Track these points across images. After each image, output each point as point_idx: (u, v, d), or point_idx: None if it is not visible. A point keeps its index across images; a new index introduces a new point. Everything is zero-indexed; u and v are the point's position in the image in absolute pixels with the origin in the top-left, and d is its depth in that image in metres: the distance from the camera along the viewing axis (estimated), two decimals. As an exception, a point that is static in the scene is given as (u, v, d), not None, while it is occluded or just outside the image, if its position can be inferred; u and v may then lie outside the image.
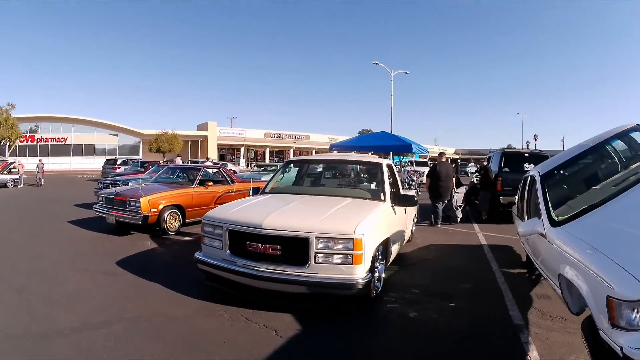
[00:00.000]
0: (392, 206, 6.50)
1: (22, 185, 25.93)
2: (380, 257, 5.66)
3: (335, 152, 16.98)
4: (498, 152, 15.62)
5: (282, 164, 10.05)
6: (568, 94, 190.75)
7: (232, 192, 11.93)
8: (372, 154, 15.32)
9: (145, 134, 59.76)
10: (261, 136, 73.78)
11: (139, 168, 24.97)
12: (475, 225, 12.36)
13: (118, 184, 14.13)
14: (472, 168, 58.04)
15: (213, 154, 60.58)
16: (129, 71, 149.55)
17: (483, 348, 4.32)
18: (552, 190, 4.83)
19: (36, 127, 55.78)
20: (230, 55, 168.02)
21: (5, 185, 24.64)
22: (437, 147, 75.33)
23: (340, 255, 4.85)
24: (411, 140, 16.16)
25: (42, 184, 27.12)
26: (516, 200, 7.73)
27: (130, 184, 13.55)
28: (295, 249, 4.92)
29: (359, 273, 4.86)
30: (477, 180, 16.33)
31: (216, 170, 13.51)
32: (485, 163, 14.85)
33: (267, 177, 16.16)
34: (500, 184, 13.28)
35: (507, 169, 13.69)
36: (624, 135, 5.19)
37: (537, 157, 13.64)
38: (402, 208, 7.07)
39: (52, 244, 9.10)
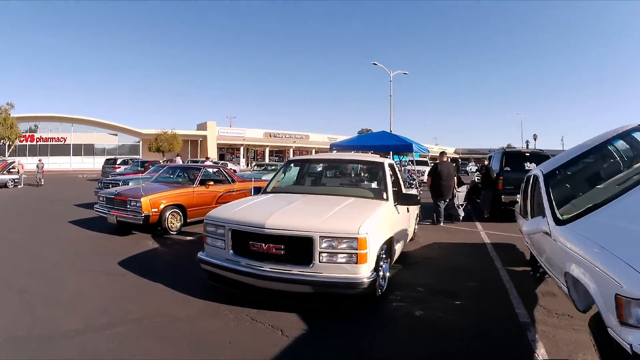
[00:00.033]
0: (395, 205, 6.48)
1: (22, 185, 25.86)
2: (384, 256, 5.63)
3: (335, 151, 16.95)
4: (499, 151, 15.62)
5: (282, 163, 10.03)
6: (567, 94, 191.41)
7: (233, 191, 11.89)
8: (372, 153, 15.30)
9: (144, 133, 59.70)
10: (261, 136, 73.75)
11: (139, 168, 24.95)
12: (478, 224, 12.37)
13: (118, 184, 14.10)
14: (472, 167, 58.12)
15: (213, 153, 60.53)
16: (128, 71, 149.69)
17: (491, 346, 4.30)
18: (555, 189, 4.82)
19: (35, 127, 55.73)
20: (230, 54, 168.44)
21: (5, 186, 24.56)
22: (437, 147, 75.41)
23: (345, 255, 4.82)
24: (412, 140, 16.12)
25: (42, 184, 27.06)
26: (519, 199, 7.73)
27: (130, 183, 13.52)
28: (299, 248, 4.88)
29: (364, 272, 4.84)
30: (478, 179, 16.33)
31: (217, 169, 13.48)
32: (486, 162, 14.85)
33: (267, 177, 16.16)
34: (501, 183, 13.30)
35: (508, 168, 13.68)
36: (626, 135, 5.18)
37: (538, 157, 13.67)
38: (405, 207, 7.05)
39: (52, 244, 9.07)
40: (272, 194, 6.98)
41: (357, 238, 4.78)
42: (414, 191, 11.13)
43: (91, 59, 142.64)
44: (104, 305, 5.26)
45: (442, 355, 4.14)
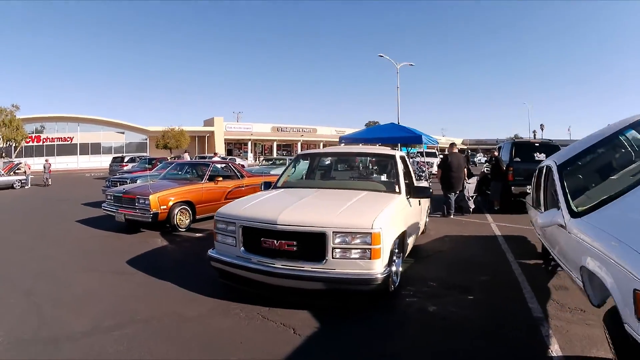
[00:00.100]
0: (408, 198, 6.38)
1: (29, 185, 25.90)
2: (397, 250, 5.55)
3: (343, 144, 16.90)
4: (509, 142, 15.46)
5: (290, 157, 9.95)
6: (574, 84, 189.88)
7: (242, 186, 11.85)
8: (379, 145, 15.22)
9: (151, 130, 59.81)
10: (268, 130, 73.72)
11: (147, 165, 24.92)
12: (488, 216, 12.28)
13: (126, 182, 14.10)
14: (481, 158, 57.90)
15: (220, 149, 60.48)
16: (134, 69, 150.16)
17: (505, 343, 4.22)
18: (569, 180, 4.72)
19: (42, 128, 55.85)
20: (235, 50, 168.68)
21: (12, 186, 24.60)
22: (445, 138, 75.28)
23: (359, 250, 4.73)
24: (421, 132, 16.03)
25: (50, 183, 27.09)
26: (529, 191, 7.63)
27: (138, 181, 13.46)
28: (311, 244, 4.80)
29: (378, 268, 4.75)
30: (487, 170, 16.21)
31: (225, 165, 13.41)
32: (496, 153, 14.72)
33: (275, 171, 16.17)
34: (511, 174, 13.18)
35: (518, 159, 13.53)
36: (637, 125, 5.06)
37: (548, 147, 13.58)
38: (417, 200, 6.95)
39: (60, 244, 9.04)
40: (282, 189, 6.90)
41: (370, 233, 4.69)
42: (424, 183, 11.03)
43: (96, 58, 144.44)
44: (112, 306, 5.20)
45: (456, 351, 4.06)
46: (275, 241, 4.91)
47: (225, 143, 67.64)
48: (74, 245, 8.85)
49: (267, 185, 7.21)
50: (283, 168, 11.52)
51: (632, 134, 5.11)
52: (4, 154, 43.26)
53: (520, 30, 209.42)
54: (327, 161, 9.34)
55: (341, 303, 5.09)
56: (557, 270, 6.31)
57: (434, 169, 23.57)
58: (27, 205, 17.31)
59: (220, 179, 11.41)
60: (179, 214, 10.00)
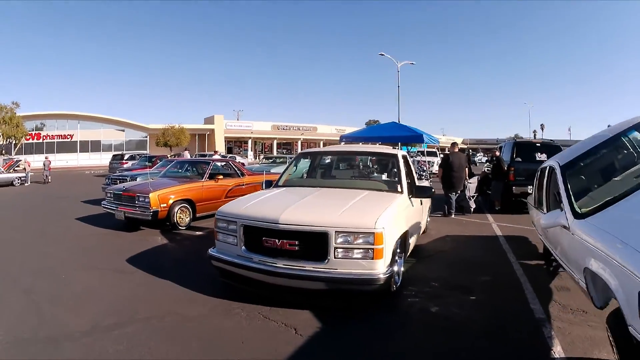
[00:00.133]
0: (410, 198, 6.35)
1: (28, 182, 25.84)
2: (399, 250, 5.52)
3: (343, 143, 16.87)
4: (510, 141, 15.43)
5: (290, 155, 9.91)
6: (574, 84, 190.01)
7: (243, 185, 11.83)
8: (379, 144, 15.20)
9: (151, 128, 59.73)
10: (268, 128, 73.67)
11: (147, 163, 24.87)
12: (489, 216, 12.26)
13: (126, 180, 14.07)
14: (481, 158, 57.87)
15: (220, 147, 60.48)
16: (134, 66, 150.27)
17: (507, 344, 4.21)
18: (572, 181, 4.71)
19: (42, 125, 55.76)
20: (236, 48, 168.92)
21: (12, 184, 24.54)
22: (445, 137, 75.23)
23: (361, 250, 4.70)
24: (422, 131, 16.00)
25: (49, 181, 26.99)
26: (530, 191, 7.62)
27: (138, 179, 13.43)
28: (313, 244, 4.76)
29: (380, 268, 4.72)
30: (488, 170, 16.19)
31: (225, 163, 13.38)
32: (497, 153, 14.69)
33: (276, 169, 16.15)
34: (512, 174, 13.15)
35: (519, 159, 13.50)
36: None
37: (549, 147, 13.58)
38: (418, 200, 6.91)
39: (59, 241, 9.01)
40: (284, 188, 6.87)
41: (373, 233, 4.65)
42: (425, 183, 11.00)
43: (97, 56, 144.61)
44: (112, 305, 5.16)
45: (459, 352, 4.03)
46: (277, 240, 4.87)
47: (225, 141, 67.62)
48: (73, 243, 8.82)
49: (269, 184, 7.18)
50: (283, 166, 11.50)
51: (635, 135, 5.09)
52: (4, 151, 43.26)
53: (521, 30, 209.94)
54: (329, 160, 9.31)
55: (343, 303, 5.05)
56: (558, 271, 6.29)
57: (435, 168, 23.59)
58: (27, 202, 17.29)
59: (221, 177, 11.39)
60: (179, 212, 9.96)
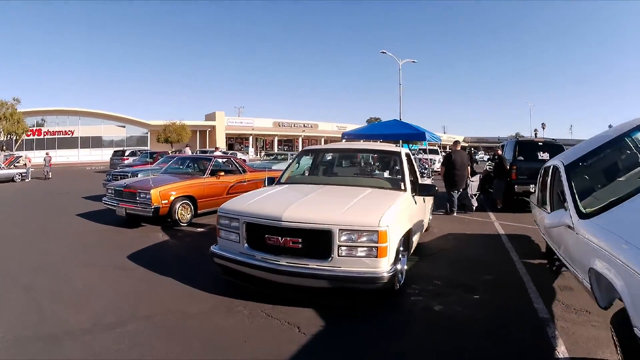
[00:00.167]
0: (413, 196, 6.32)
1: (29, 178, 25.79)
2: (402, 248, 5.47)
3: (344, 140, 16.85)
4: (512, 140, 15.43)
5: (291, 152, 9.86)
6: (574, 84, 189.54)
7: (244, 181, 11.78)
8: (380, 142, 15.17)
9: (152, 124, 59.73)
10: (270, 125, 73.59)
11: (148, 159, 24.90)
12: (491, 214, 12.23)
13: (127, 176, 14.04)
14: (483, 156, 57.85)
15: (221, 143, 60.36)
16: (135, 63, 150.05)
17: (511, 343, 4.19)
18: (576, 181, 4.69)
19: (42, 121, 55.80)
20: (237, 45, 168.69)
21: (12, 180, 24.51)
22: (445, 135, 75.19)
23: (365, 248, 4.66)
24: (424, 129, 15.97)
25: (50, 177, 26.98)
26: (532, 190, 7.60)
27: (139, 175, 13.42)
28: (317, 242, 4.73)
29: (384, 266, 4.68)
30: (490, 168, 16.17)
31: (227, 159, 13.34)
32: (499, 151, 14.66)
33: (277, 166, 16.14)
34: (514, 172, 13.11)
35: (521, 158, 13.49)
36: None
37: (552, 146, 13.54)
38: (421, 197, 6.88)
39: (60, 238, 8.97)
40: (286, 185, 6.82)
41: (377, 231, 4.62)
42: (427, 181, 10.97)
43: (98, 52, 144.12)
44: (113, 302, 5.13)
45: (462, 351, 4.02)
46: (280, 238, 4.83)
47: (226, 137, 67.61)
48: (74, 239, 8.79)
49: (271, 181, 7.15)
50: (285, 163, 11.48)
51: (638, 136, 5.07)
52: (4, 147, 43.29)
53: (521, 30, 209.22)
54: (333, 157, 9.27)
55: (346, 301, 5.01)
56: (561, 271, 6.25)
57: (436, 166, 23.58)
58: (28, 198, 17.26)
59: (222, 173, 11.33)
60: (180, 208, 9.93)
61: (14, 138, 45.72)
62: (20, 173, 25.38)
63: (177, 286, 5.68)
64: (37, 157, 37.50)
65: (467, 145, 77.33)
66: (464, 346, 4.08)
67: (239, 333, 4.28)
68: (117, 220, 10.33)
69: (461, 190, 12.10)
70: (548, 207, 5.87)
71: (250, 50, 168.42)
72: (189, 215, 10.15)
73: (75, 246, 8.19)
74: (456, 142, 12.81)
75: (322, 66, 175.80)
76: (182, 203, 9.98)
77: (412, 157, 7.63)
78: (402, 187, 6.32)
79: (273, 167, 15.67)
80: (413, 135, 16.02)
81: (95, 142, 58.66)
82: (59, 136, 56.17)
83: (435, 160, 25.62)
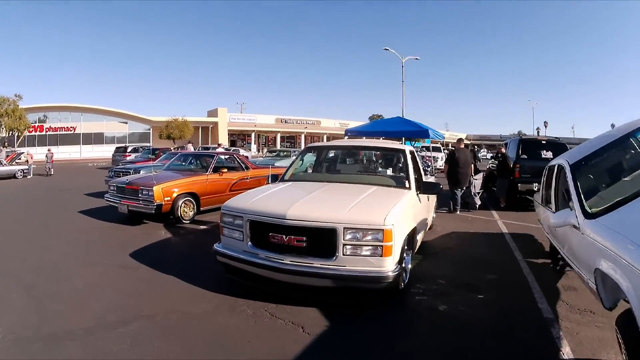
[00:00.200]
0: (417, 194, 6.28)
1: (31, 175, 25.83)
2: (407, 247, 5.44)
3: (347, 137, 16.80)
4: (515, 138, 15.37)
5: (294, 149, 9.82)
6: (576, 83, 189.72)
7: (247, 178, 11.76)
8: (382, 139, 15.12)
9: (155, 121, 59.86)
10: (272, 122, 73.67)
11: (150, 155, 24.86)
12: (494, 213, 12.17)
13: (129, 172, 14.06)
14: (486, 154, 57.79)
15: (224, 140, 60.49)
16: (137, 59, 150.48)
17: (515, 344, 4.17)
18: (581, 180, 4.65)
19: (45, 117, 55.89)
20: (239, 41, 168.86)
21: (14, 176, 24.51)
22: (448, 133, 75.13)
23: (370, 247, 4.62)
24: (427, 126, 15.91)
25: (52, 173, 26.96)
26: (535, 188, 7.56)
27: (141, 172, 13.38)
28: (321, 240, 4.68)
29: (389, 265, 4.64)
30: (493, 166, 16.13)
31: (230, 156, 13.30)
32: (503, 150, 14.61)
33: (280, 163, 16.11)
34: (518, 171, 13.07)
35: (524, 156, 13.43)
36: None
37: (555, 145, 13.52)
38: (425, 196, 6.83)
39: (62, 235, 8.94)
40: (290, 183, 6.78)
41: (382, 230, 4.58)
42: (431, 178, 10.95)
43: (100, 49, 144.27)
44: (115, 301, 5.09)
45: (466, 351, 4.00)
46: (284, 236, 4.78)
47: (228, 134, 67.70)
48: (76, 237, 8.76)
49: (274, 179, 7.09)
50: (287, 160, 11.43)
51: None
52: (6, 144, 43.31)
53: (522, 29, 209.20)
54: (337, 155, 9.22)
55: (351, 301, 4.97)
56: (565, 270, 6.24)
57: (439, 164, 23.52)
58: (29, 195, 17.26)
59: (225, 170, 11.30)
60: (183, 205, 9.89)
61: (16, 134, 45.77)
62: (22, 169, 25.40)
63: (179, 285, 5.64)
64: (39, 153, 37.44)
65: (469, 142, 76.83)
66: (468, 346, 4.06)
67: (242, 333, 4.25)
68: (119, 217, 10.30)
69: (464, 188, 12.07)
70: (553, 206, 5.83)
71: (252, 46, 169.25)
72: (192, 212, 10.12)
73: (77, 243, 8.16)
74: (460, 140, 12.74)
75: (324, 63, 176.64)
76: (185, 200, 9.95)
77: (416, 155, 7.59)
78: (407, 185, 6.28)
79: (276, 164, 15.65)
80: (416, 132, 15.93)
81: (97, 139, 58.76)
82: (61, 132, 56.26)
83: (438, 157, 25.57)
